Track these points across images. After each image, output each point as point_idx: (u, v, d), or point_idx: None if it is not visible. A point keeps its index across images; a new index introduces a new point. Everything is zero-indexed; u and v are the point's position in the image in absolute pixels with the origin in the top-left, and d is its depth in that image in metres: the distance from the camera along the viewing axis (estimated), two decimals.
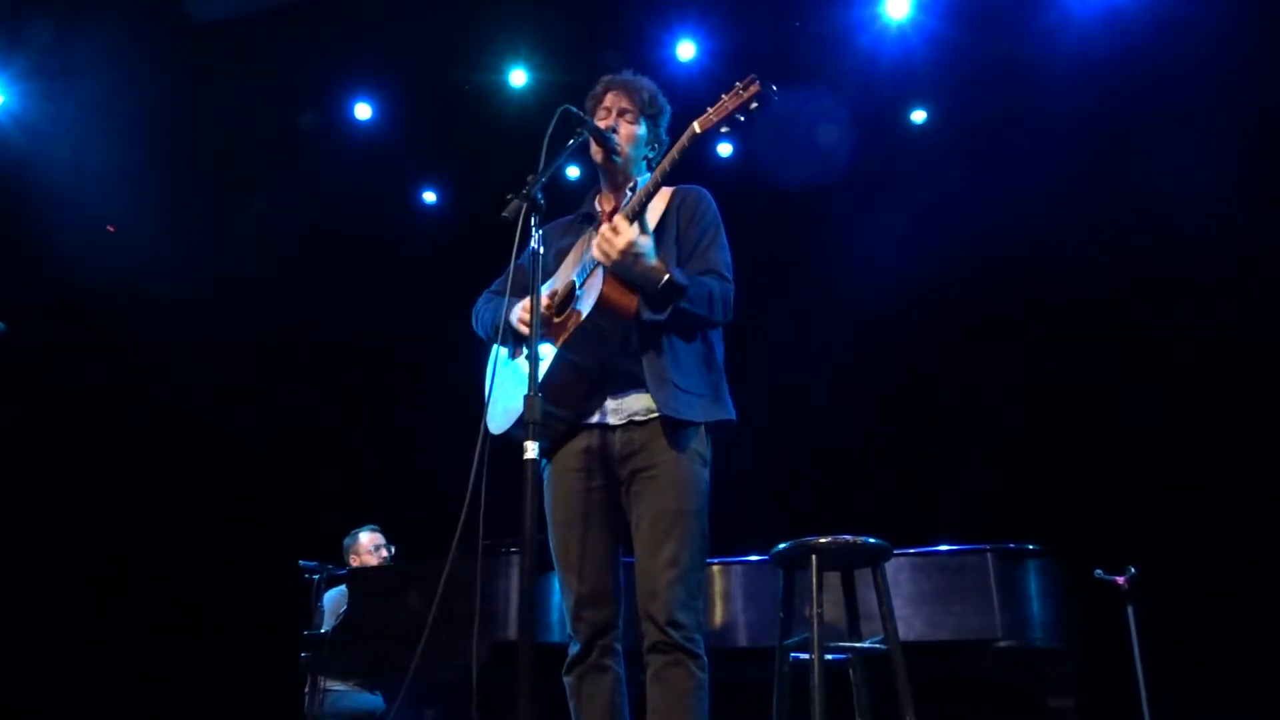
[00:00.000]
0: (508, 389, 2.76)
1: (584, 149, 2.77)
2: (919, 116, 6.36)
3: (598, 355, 2.64)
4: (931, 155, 6.26)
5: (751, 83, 2.49)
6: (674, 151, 2.57)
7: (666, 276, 2.54)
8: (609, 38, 6.03)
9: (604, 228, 2.56)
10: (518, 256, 2.54)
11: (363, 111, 6.64)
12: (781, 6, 5.91)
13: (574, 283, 2.72)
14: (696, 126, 2.54)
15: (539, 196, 2.50)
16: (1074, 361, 5.89)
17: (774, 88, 2.48)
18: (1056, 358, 5.92)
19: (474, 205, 6.76)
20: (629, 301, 2.58)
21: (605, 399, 2.67)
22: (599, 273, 2.58)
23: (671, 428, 2.59)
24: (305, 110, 6.63)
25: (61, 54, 5.96)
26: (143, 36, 5.92)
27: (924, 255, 5.91)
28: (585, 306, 2.59)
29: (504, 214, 2.48)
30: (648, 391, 2.60)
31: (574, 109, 2.68)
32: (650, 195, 2.58)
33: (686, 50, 6.11)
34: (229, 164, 6.60)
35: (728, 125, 2.51)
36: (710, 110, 2.53)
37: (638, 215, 2.56)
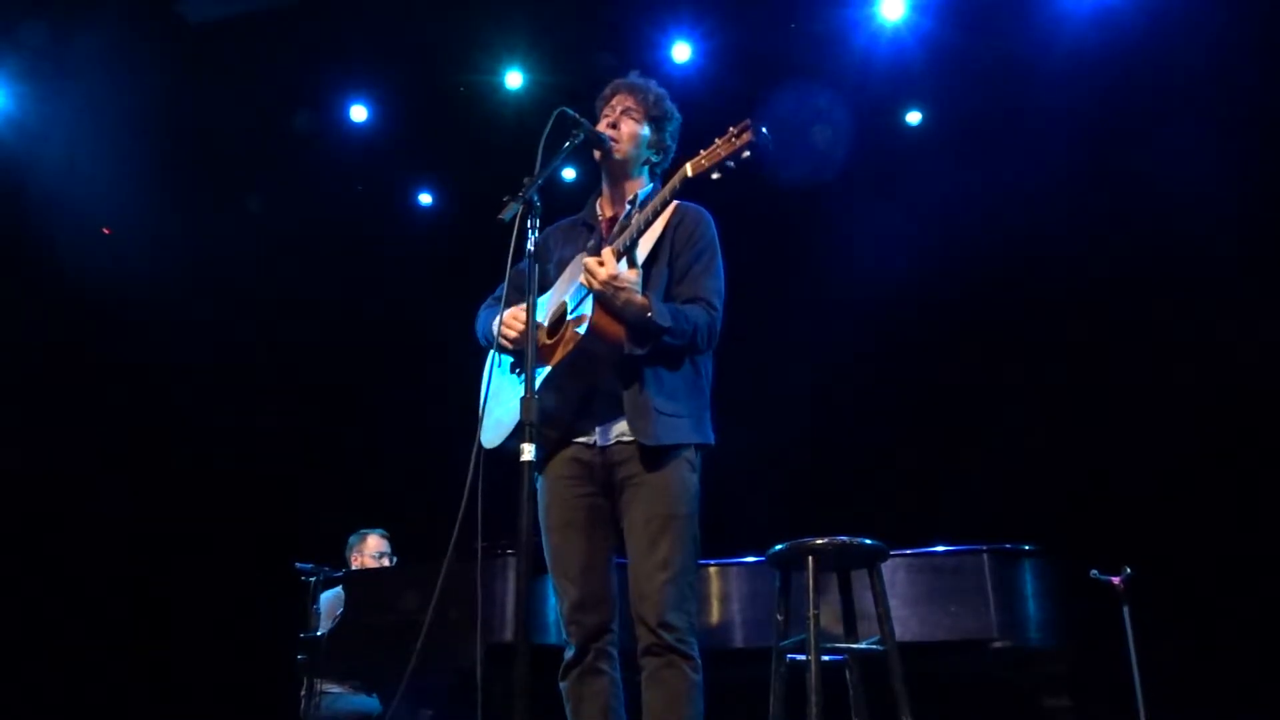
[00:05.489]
0: (501, 403, 2.77)
1: (585, 150, 2.77)
2: (914, 117, 6.36)
3: (587, 378, 2.66)
4: (927, 156, 6.26)
5: (745, 129, 2.46)
6: (665, 191, 2.57)
7: (649, 315, 2.55)
8: (605, 39, 6.02)
9: (589, 260, 2.56)
10: (515, 260, 2.54)
11: (358, 113, 6.63)
12: (777, 8, 5.91)
13: (566, 304, 2.72)
14: (689, 170, 2.53)
15: (535, 199, 2.50)
16: (1070, 360, 5.89)
17: (765, 131, 2.45)
18: (1052, 356, 5.92)
19: (470, 207, 6.76)
20: (618, 330, 2.59)
21: (593, 421, 2.69)
22: (590, 298, 2.59)
23: (653, 452, 2.60)
24: (301, 112, 6.62)
25: (56, 55, 5.95)
26: (138, 37, 5.91)
27: (920, 255, 5.91)
28: (578, 330, 2.60)
29: (500, 216, 2.49)
30: None
31: (570, 111, 2.68)
32: (642, 231, 2.59)
33: (682, 52, 6.10)
34: (225, 165, 6.58)
35: (719, 171, 2.49)
36: (703, 154, 2.53)
37: (627, 252, 2.56)
